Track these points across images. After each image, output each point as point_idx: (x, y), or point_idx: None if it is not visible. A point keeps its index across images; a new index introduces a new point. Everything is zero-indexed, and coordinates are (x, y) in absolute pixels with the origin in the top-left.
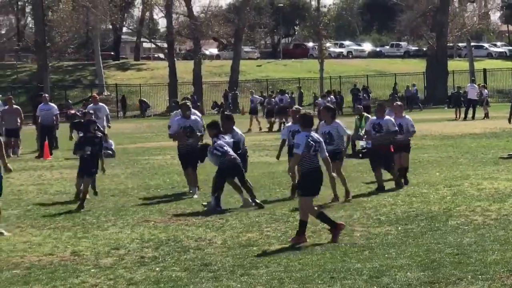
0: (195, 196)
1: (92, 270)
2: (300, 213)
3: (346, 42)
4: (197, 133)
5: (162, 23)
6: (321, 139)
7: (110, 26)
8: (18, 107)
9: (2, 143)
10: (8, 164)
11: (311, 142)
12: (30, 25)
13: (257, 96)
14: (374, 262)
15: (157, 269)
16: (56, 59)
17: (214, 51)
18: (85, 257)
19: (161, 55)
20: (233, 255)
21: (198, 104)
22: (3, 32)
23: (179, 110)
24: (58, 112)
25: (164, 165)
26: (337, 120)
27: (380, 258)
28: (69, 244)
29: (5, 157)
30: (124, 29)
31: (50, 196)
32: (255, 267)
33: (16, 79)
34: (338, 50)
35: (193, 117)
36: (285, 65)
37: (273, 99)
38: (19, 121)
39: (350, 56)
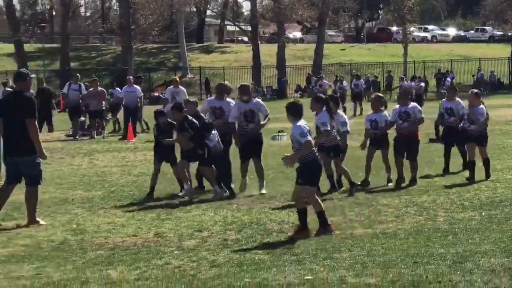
0: (263, 191)
1: (176, 252)
2: (313, 206)
3: (430, 27)
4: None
5: (246, 6)
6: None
7: (194, 9)
8: (103, 89)
9: (38, 128)
10: (43, 151)
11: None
12: (115, 8)
13: (326, 82)
14: (458, 247)
15: (240, 251)
16: (140, 42)
17: (298, 34)
18: (168, 238)
19: (245, 38)
20: (316, 239)
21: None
22: (88, 14)
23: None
24: (142, 94)
25: None
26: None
27: (464, 244)
28: (153, 225)
29: (41, 143)
30: (208, 12)
31: (133, 177)
32: (338, 250)
33: (100, 61)
34: (422, 34)
35: (254, 100)
36: (369, 49)
37: (344, 84)
38: (103, 103)
39: (434, 40)
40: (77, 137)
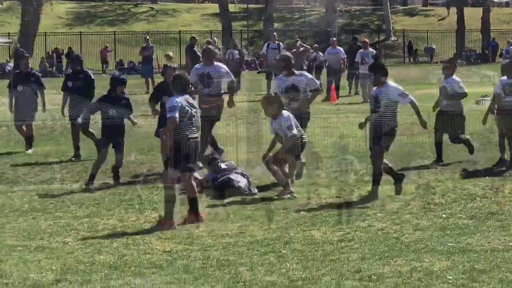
0: None
1: (379, 215)
2: (186, 190)
3: None
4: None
5: None
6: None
7: None
8: (308, 47)
9: None
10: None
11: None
12: None
13: None
14: None
15: (443, 215)
16: (344, 3)
17: None
18: (371, 201)
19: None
20: None
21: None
22: None
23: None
24: (345, 56)
25: None
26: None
27: None
28: (356, 187)
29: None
30: None
31: (336, 139)
32: None
33: (304, 23)
34: None
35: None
36: None
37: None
38: (306, 62)
39: None
40: None
